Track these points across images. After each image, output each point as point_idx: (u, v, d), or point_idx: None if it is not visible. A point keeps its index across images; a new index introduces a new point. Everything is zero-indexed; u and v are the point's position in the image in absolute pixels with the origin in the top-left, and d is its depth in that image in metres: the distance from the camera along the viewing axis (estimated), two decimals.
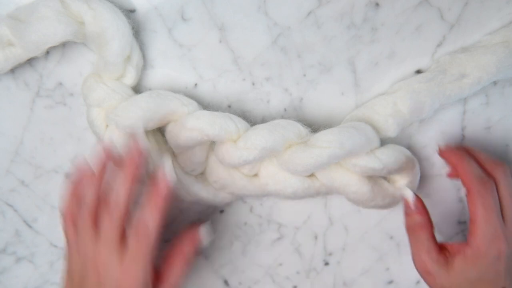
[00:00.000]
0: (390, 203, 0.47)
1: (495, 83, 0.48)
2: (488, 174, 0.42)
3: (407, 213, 0.44)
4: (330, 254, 0.52)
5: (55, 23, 0.42)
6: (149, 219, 0.39)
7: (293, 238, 0.51)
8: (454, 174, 0.45)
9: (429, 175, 0.50)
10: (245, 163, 0.44)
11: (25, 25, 0.42)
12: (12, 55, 0.43)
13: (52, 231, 0.51)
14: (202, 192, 0.47)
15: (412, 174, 0.46)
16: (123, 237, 0.39)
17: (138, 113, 0.43)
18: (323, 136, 0.43)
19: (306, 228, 0.51)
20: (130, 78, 0.45)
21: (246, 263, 0.52)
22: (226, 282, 0.53)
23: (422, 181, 0.49)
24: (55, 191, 0.51)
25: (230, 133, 0.43)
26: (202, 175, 0.48)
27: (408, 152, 0.46)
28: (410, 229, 0.44)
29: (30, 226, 0.51)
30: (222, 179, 0.46)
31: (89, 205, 0.40)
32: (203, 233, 0.42)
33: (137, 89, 0.48)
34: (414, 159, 0.46)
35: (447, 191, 0.50)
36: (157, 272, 0.41)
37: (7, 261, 0.52)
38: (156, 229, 0.39)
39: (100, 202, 0.40)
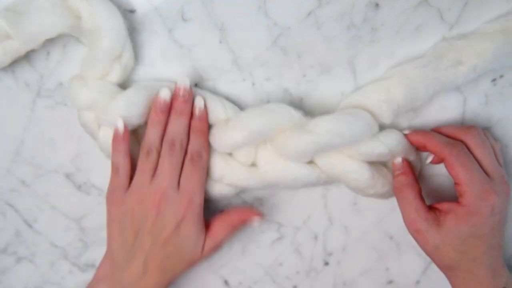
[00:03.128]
0: (389, 191, 0.47)
1: (494, 83, 0.48)
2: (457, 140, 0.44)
3: (395, 176, 0.45)
4: (330, 254, 0.52)
5: (53, 15, 0.42)
6: (198, 146, 0.45)
7: (293, 238, 0.51)
8: (436, 160, 0.46)
9: (429, 175, 0.50)
10: (236, 145, 0.44)
11: (22, 17, 0.42)
12: (11, 48, 0.43)
13: (52, 231, 0.52)
14: None
15: (414, 157, 0.46)
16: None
17: (130, 108, 0.43)
18: (321, 123, 0.43)
19: (306, 228, 0.51)
20: (115, 76, 0.45)
21: (246, 263, 0.52)
22: (226, 282, 0.53)
23: (421, 181, 0.49)
24: (56, 191, 0.51)
25: (217, 114, 0.45)
26: None
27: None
28: (397, 190, 0.45)
29: (30, 226, 0.52)
30: (220, 169, 0.46)
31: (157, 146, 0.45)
32: (256, 220, 0.46)
33: None
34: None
35: (446, 191, 0.50)
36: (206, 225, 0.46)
37: (7, 261, 0.52)
38: (207, 151, 0.46)
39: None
